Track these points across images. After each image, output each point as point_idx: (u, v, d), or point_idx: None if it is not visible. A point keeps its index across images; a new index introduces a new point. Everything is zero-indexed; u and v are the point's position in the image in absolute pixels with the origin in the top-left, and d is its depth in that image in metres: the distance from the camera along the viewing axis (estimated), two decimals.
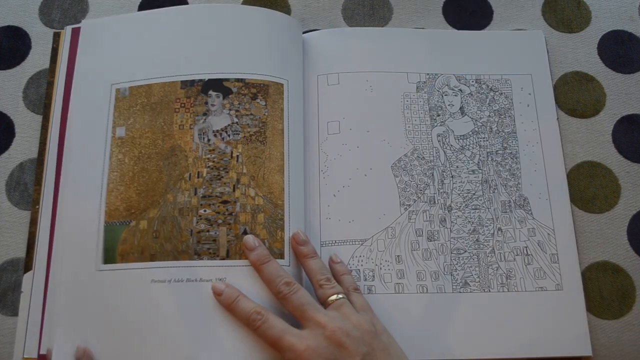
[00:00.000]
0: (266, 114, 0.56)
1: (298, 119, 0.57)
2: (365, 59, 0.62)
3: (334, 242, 0.55)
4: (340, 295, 0.50)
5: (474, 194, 0.58)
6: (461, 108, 0.61)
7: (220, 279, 0.51)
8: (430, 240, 0.56)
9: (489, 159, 0.59)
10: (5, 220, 0.57)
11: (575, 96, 0.62)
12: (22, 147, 0.59)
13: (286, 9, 0.65)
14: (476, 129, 0.60)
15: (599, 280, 0.56)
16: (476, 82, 0.61)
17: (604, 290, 0.56)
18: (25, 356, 0.52)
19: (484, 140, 0.60)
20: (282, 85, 0.57)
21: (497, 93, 0.61)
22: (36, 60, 0.62)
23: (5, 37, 0.63)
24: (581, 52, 0.64)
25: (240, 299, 0.49)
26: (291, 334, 0.46)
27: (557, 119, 0.60)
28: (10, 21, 0.64)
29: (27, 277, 0.54)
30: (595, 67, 0.63)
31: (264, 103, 0.56)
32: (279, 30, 0.59)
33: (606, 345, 0.54)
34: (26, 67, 0.62)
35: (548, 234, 0.56)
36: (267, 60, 0.58)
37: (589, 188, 0.59)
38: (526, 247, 0.56)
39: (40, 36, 0.63)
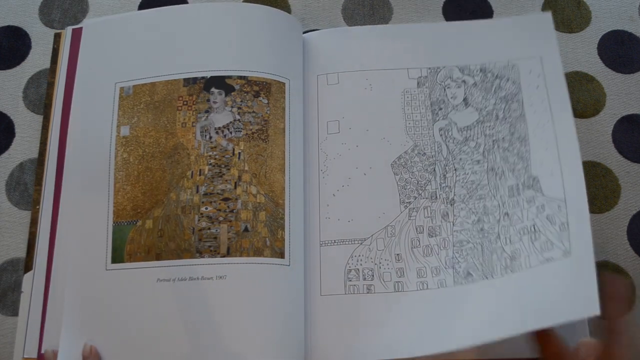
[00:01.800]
0: (268, 112, 0.56)
1: (298, 119, 0.57)
2: (364, 58, 0.61)
3: (333, 241, 0.55)
4: None
5: (478, 184, 0.56)
6: (465, 99, 0.59)
7: (220, 277, 0.51)
8: (432, 236, 0.55)
9: (495, 147, 0.57)
10: (5, 220, 0.57)
11: (575, 96, 0.62)
12: (22, 147, 0.59)
13: (286, 9, 0.65)
14: (481, 118, 0.58)
15: (599, 280, 0.56)
16: (481, 71, 0.60)
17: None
18: (25, 356, 0.52)
19: (489, 129, 0.58)
20: (283, 84, 0.57)
21: (503, 80, 0.59)
22: (36, 60, 0.62)
23: (5, 37, 0.63)
24: (581, 52, 0.64)
25: None
26: None
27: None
28: (10, 21, 0.64)
29: (27, 277, 0.54)
30: (595, 67, 0.63)
31: (266, 101, 0.56)
32: (280, 29, 0.59)
33: None
34: (26, 67, 0.62)
35: (558, 205, 0.52)
36: (269, 58, 0.58)
37: (589, 188, 0.58)
38: (534, 224, 0.52)
39: (40, 36, 0.63)
